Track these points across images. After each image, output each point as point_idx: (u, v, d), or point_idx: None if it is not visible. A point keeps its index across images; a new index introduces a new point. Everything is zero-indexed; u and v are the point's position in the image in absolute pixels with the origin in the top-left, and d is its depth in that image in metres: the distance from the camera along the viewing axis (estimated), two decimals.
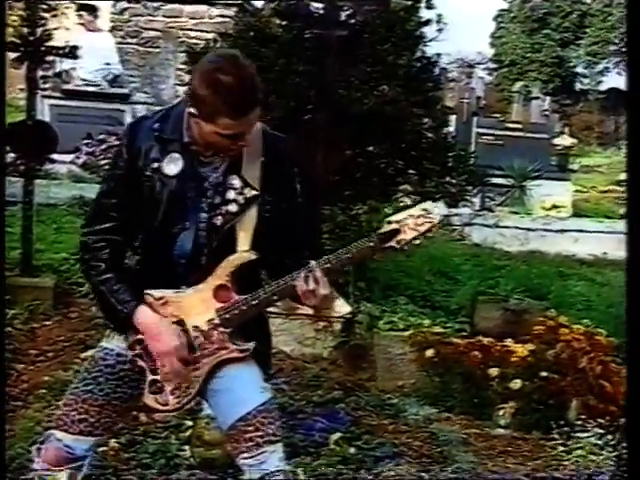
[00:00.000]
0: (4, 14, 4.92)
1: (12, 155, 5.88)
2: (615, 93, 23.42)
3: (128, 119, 10.49)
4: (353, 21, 6.13)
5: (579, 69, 26.66)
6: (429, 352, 5.02)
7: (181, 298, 2.54)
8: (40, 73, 6.02)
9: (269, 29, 6.01)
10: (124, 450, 3.89)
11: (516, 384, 4.75)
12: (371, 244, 2.51)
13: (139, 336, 2.56)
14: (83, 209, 6.97)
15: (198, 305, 2.54)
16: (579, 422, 4.56)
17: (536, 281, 7.57)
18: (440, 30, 6.10)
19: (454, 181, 6.25)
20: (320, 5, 6.07)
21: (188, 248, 2.52)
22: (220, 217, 2.53)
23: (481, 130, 12.58)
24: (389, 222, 2.52)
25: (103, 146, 9.44)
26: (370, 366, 5.46)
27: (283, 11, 6.14)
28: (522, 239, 9.82)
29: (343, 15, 6.14)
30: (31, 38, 5.84)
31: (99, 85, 11.06)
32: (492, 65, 27.39)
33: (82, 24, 11.23)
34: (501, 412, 4.78)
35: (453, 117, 11.05)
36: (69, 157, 9.21)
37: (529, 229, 10.00)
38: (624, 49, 21.82)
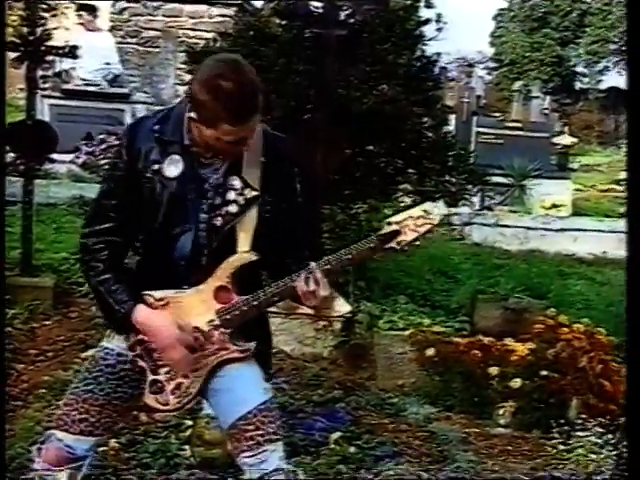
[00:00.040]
0: (4, 14, 4.92)
1: (12, 155, 5.88)
2: (615, 92, 23.45)
3: (128, 119, 10.50)
4: (352, 20, 6.13)
5: (579, 68, 26.70)
6: (429, 351, 5.03)
7: (181, 299, 2.54)
8: (40, 73, 6.02)
9: (269, 29, 6.01)
10: (124, 450, 3.89)
11: (516, 383, 4.76)
12: (371, 245, 2.51)
13: (139, 336, 2.56)
14: (83, 209, 6.97)
15: (198, 306, 2.54)
16: (579, 421, 4.56)
17: (536, 280, 7.57)
18: (440, 29, 6.10)
19: (454, 180, 6.26)
20: (319, 4, 6.08)
21: (188, 249, 2.52)
22: (220, 218, 2.53)
23: (481, 129, 12.58)
24: (389, 223, 2.52)
25: (103, 146, 9.44)
26: (370, 365, 5.46)
27: (283, 11, 6.14)
28: (522, 238, 9.81)
29: (342, 14, 6.14)
30: (31, 38, 5.84)
31: (99, 85, 11.06)
32: (492, 64, 27.43)
33: (82, 24, 11.23)
34: (501, 411, 4.78)
35: (453, 116, 11.05)
36: (69, 157, 9.20)
37: (529, 228, 10.00)
38: (624, 48, 21.82)
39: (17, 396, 4.50)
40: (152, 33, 14.33)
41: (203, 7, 13.88)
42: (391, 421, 4.65)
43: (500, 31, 27.06)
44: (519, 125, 13.43)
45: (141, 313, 2.53)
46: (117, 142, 2.95)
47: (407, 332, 5.42)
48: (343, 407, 4.63)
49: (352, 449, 4.11)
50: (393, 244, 2.50)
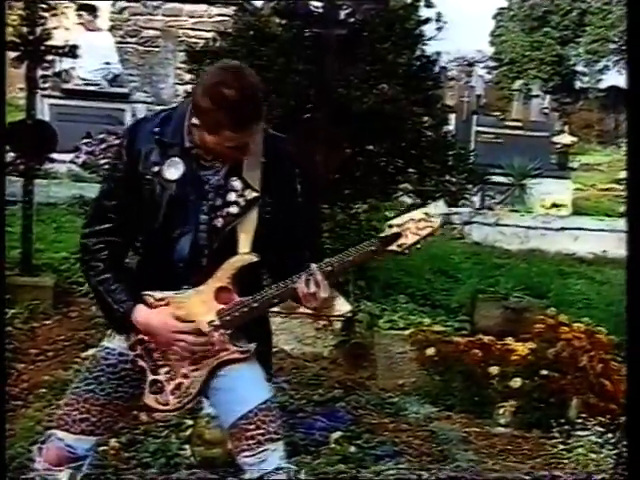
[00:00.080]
0: (4, 13, 4.92)
1: (12, 154, 5.89)
2: (615, 91, 23.44)
3: (128, 118, 10.52)
4: (352, 20, 6.12)
5: (579, 67, 26.70)
6: (429, 351, 5.02)
7: (182, 299, 2.55)
8: (40, 72, 6.01)
9: (268, 28, 6.01)
10: (124, 449, 3.89)
11: (516, 382, 4.76)
12: (372, 248, 2.51)
13: (140, 336, 2.57)
14: (83, 208, 6.97)
15: (199, 306, 2.54)
16: (579, 420, 4.56)
17: (536, 279, 7.57)
18: (440, 29, 6.09)
19: (454, 180, 6.25)
20: (319, 4, 6.07)
21: (186, 252, 2.53)
22: (221, 219, 2.53)
23: (481, 128, 12.57)
24: (390, 226, 2.51)
25: (103, 145, 9.45)
26: (370, 365, 5.46)
27: (282, 10, 6.14)
28: (522, 237, 9.81)
29: (342, 14, 6.14)
30: (31, 37, 5.84)
31: (99, 84, 11.05)
32: (492, 63, 27.42)
33: (82, 23, 11.23)
34: (501, 410, 4.78)
35: (453, 115, 11.05)
36: (69, 156, 9.21)
37: (529, 227, 9.99)
38: (624, 47, 21.83)
39: (17, 396, 4.50)
40: (152, 33, 14.34)
41: (203, 6, 13.88)
42: (391, 420, 4.65)
43: (500, 30, 27.06)
44: (519, 124, 13.43)
45: (141, 313, 2.54)
46: (117, 142, 2.96)
47: (407, 331, 5.42)
48: (343, 406, 4.63)
49: (352, 448, 4.11)
50: (394, 247, 2.50)
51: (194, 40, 11.02)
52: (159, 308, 2.54)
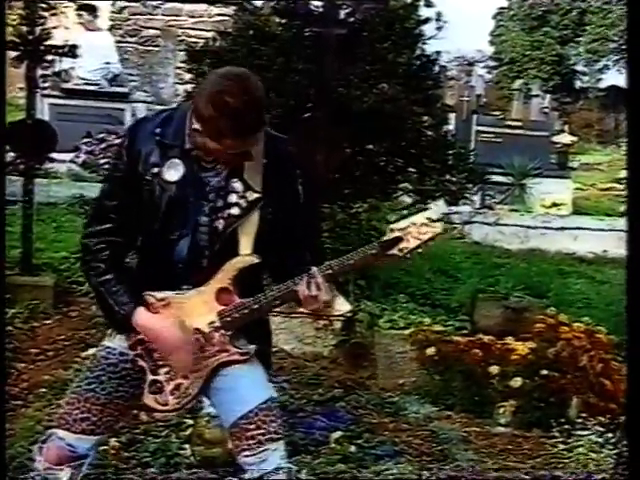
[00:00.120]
0: (4, 13, 4.91)
1: (12, 154, 5.88)
2: (615, 91, 23.45)
3: (128, 118, 10.52)
4: (352, 19, 6.12)
5: (579, 67, 26.71)
6: (429, 350, 5.02)
7: (183, 300, 2.55)
8: (40, 72, 6.01)
9: (268, 28, 6.01)
10: (124, 449, 3.89)
11: (516, 382, 4.75)
12: (373, 251, 2.52)
13: (140, 336, 2.57)
14: (83, 208, 6.98)
15: (200, 307, 2.54)
16: (579, 420, 4.56)
17: (536, 279, 7.57)
18: (439, 28, 6.09)
19: (454, 179, 6.25)
20: (319, 3, 6.07)
21: (185, 253, 2.52)
22: (222, 221, 2.53)
23: (481, 128, 12.57)
24: (392, 230, 2.52)
25: (103, 145, 9.45)
26: (370, 364, 5.46)
27: (282, 9, 6.14)
28: (522, 237, 9.81)
29: (342, 13, 6.14)
30: (30, 37, 5.84)
31: (99, 84, 11.05)
32: (492, 63, 27.43)
33: (81, 23, 11.23)
34: (501, 410, 4.78)
35: (453, 115, 11.06)
36: (69, 156, 9.21)
37: (529, 227, 9.99)
38: (624, 46, 21.83)
39: (17, 395, 4.49)
40: (152, 32, 14.34)
41: (203, 6, 13.88)
42: (391, 420, 4.65)
43: (500, 30, 27.06)
44: (519, 124, 13.43)
45: (142, 316, 2.54)
46: (117, 141, 2.96)
47: (407, 331, 5.42)
48: (343, 406, 4.63)
49: (352, 448, 4.11)
50: (395, 251, 2.51)
51: (194, 40, 11.02)
52: (162, 314, 2.54)
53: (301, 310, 4.82)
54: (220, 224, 2.53)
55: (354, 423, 4.40)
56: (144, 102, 11.38)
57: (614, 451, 4.18)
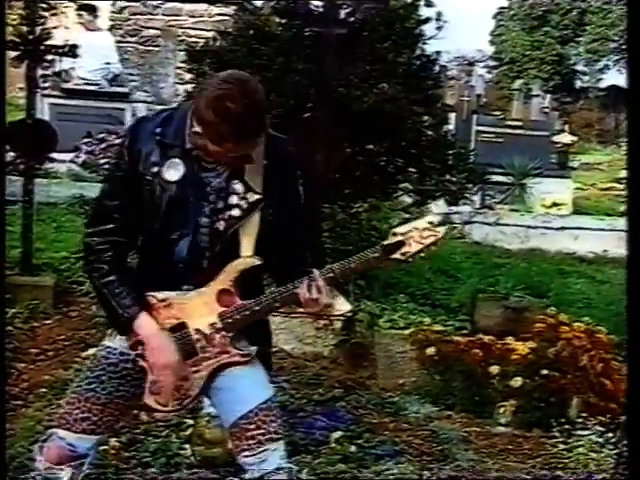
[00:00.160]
0: (4, 13, 4.91)
1: (12, 154, 5.88)
2: (615, 90, 23.46)
3: (128, 118, 10.52)
4: (352, 19, 6.12)
5: (579, 67, 26.70)
6: (430, 350, 5.02)
7: (184, 301, 2.55)
8: (40, 72, 6.01)
9: (268, 27, 6.00)
10: (125, 449, 3.89)
11: (517, 382, 4.75)
12: (376, 255, 2.52)
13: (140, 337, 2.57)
14: (83, 208, 6.98)
15: (201, 308, 2.54)
16: (580, 420, 4.56)
17: (536, 279, 7.57)
18: (440, 28, 6.09)
19: (454, 179, 6.25)
20: (319, 3, 6.07)
21: (184, 254, 2.53)
22: (223, 222, 2.53)
23: (481, 128, 12.57)
24: (394, 234, 2.53)
25: (103, 145, 9.45)
26: (371, 364, 5.46)
27: (282, 9, 6.13)
28: (522, 237, 9.81)
29: (342, 13, 6.14)
30: (31, 37, 5.83)
31: (99, 84, 11.05)
32: (492, 63, 27.43)
33: (82, 23, 11.23)
34: (502, 410, 4.78)
35: (453, 115, 11.06)
36: (69, 156, 9.21)
37: (529, 227, 9.99)
38: (624, 46, 21.83)
39: (17, 395, 4.49)
40: (152, 32, 14.35)
41: (203, 6, 13.89)
42: (392, 420, 4.65)
43: (500, 30, 27.06)
44: (519, 124, 13.43)
45: (144, 323, 2.53)
46: (117, 141, 2.96)
47: (407, 331, 5.41)
48: (344, 406, 4.63)
49: (353, 448, 4.10)
50: (397, 255, 2.52)
51: (194, 39, 11.04)
52: (164, 332, 2.53)
53: (301, 310, 4.84)
54: (221, 225, 2.53)
55: (354, 423, 4.40)
56: (144, 102, 11.38)
57: (614, 451, 4.18)
